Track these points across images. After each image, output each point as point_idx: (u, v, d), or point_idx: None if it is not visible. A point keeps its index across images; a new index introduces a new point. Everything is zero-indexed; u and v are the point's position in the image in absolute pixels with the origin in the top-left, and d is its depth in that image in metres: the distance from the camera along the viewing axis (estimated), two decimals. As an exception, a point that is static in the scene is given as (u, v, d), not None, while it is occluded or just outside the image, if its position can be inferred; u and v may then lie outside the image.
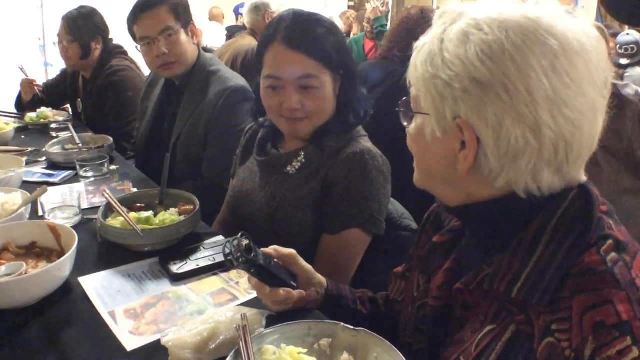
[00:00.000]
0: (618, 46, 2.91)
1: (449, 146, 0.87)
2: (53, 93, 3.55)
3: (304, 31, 1.52)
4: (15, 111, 3.43)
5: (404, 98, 0.96)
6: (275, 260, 1.20)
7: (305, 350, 1.00)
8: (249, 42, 4.02)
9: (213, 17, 8.43)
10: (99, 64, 3.15)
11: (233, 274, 1.43)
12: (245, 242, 1.09)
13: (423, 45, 0.89)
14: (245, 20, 4.39)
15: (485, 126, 0.81)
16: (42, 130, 2.99)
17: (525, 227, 0.86)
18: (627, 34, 3.72)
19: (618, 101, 2.13)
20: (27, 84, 3.40)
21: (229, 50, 3.98)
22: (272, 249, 1.22)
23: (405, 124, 0.97)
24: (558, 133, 0.80)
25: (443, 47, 0.84)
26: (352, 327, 1.03)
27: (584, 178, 0.88)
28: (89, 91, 3.22)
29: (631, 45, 3.78)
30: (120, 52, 3.24)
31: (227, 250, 1.08)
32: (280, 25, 1.53)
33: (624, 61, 2.63)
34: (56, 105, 3.52)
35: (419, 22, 2.71)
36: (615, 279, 0.76)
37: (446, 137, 0.87)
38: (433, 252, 1.12)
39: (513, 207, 0.87)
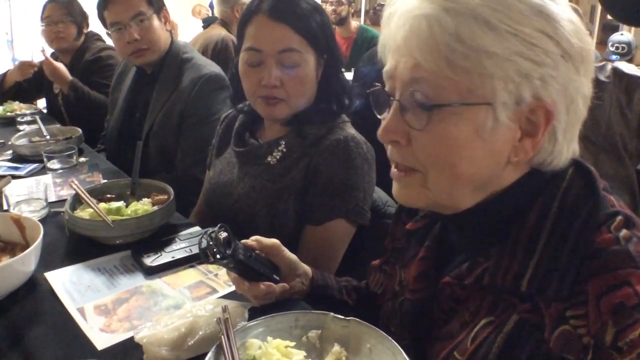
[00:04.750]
0: (610, 44, 3.16)
1: (510, 136, 0.77)
2: (33, 82, 3.48)
3: (289, 4, 1.45)
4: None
5: (412, 90, 0.77)
6: (257, 252, 1.13)
7: (293, 344, 0.93)
8: (218, 32, 3.97)
9: (195, 14, 8.37)
10: (80, 48, 3.27)
11: (211, 266, 1.36)
12: (223, 235, 1.00)
13: (446, 13, 0.72)
14: (215, 11, 4.33)
15: (565, 104, 0.76)
16: (9, 124, 2.89)
17: (523, 214, 0.80)
18: (622, 34, 4.20)
19: (595, 88, 2.10)
20: (28, 66, 3.31)
21: (199, 41, 3.93)
22: (253, 240, 1.15)
23: (418, 126, 0.78)
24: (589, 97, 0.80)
25: (504, 17, 0.72)
26: (342, 317, 0.97)
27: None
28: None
29: (622, 45, 4.20)
30: (98, 38, 3.34)
31: (204, 245, 0.99)
32: None
33: (613, 57, 2.85)
34: (33, 97, 3.52)
35: None
36: (631, 257, 0.71)
37: (510, 125, 0.76)
38: (407, 241, 1.06)
39: (523, 190, 0.82)
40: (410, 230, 1.04)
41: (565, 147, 0.79)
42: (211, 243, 0.98)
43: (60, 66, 3.03)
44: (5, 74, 3.39)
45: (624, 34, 4.27)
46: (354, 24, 5.47)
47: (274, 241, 1.17)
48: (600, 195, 0.79)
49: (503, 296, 0.80)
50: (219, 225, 1.02)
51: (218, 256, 0.99)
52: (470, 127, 0.75)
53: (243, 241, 1.10)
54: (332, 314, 0.98)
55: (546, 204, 0.79)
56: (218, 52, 3.77)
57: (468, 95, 0.74)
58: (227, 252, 1.00)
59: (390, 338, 0.89)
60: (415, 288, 0.97)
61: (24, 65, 3.27)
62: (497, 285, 0.79)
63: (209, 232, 1.00)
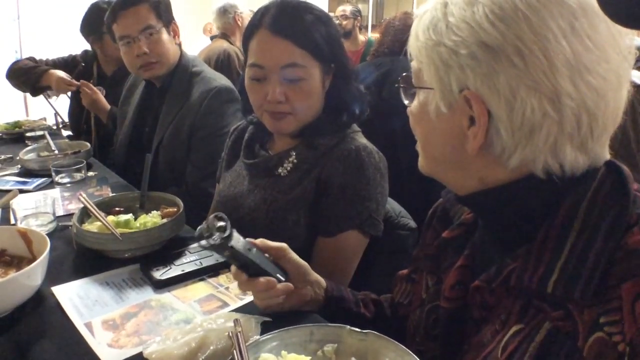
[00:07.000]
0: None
1: (456, 123, 0.79)
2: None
3: (291, 17, 1.43)
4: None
5: (404, 74, 0.88)
6: (265, 254, 1.10)
7: (308, 358, 0.89)
8: (220, 45, 3.99)
9: (206, 32, 8.46)
10: None
11: (222, 279, 1.33)
12: (220, 223, 0.99)
13: (424, 13, 0.82)
14: (215, 25, 4.35)
15: (497, 97, 0.73)
16: (17, 140, 2.89)
17: (551, 213, 0.77)
18: (634, 40, 4.14)
19: None
20: (66, 85, 2.99)
21: (201, 55, 3.95)
22: (259, 241, 1.12)
23: (406, 102, 0.90)
24: (580, 103, 0.72)
25: (447, 11, 0.77)
26: (359, 330, 0.93)
27: (608, 155, 0.80)
28: (108, 83, 3.02)
29: (636, 51, 3.96)
30: None
31: (199, 230, 0.99)
32: (266, 11, 1.44)
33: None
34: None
35: (406, 21, 2.77)
36: None
37: (452, 113, 0.79)
38: (443, 250, 1.03)
39: (533, 191, 0.78)
40: (446, 239, 1.01)
41: (512, 145, 0.75)
42: (205, 228, 0.98)
43: (100, 97, 2.85)
44: (46, 71, 3.07)
45: (636, 40, 4.23)
46: (362, 37, 5.50)
47: (281, 244, 1.15)
48: (632, 195, 0.75)
49: (532, 301, 0.76)
50: (215, 213, 1.01)
51: (211, 240, 0.97)
52: (422, 108, 0.84)
53: (248, 239, 1.08)
54: (348, 326, 0.94)
55: (575, 204, 0.76)
56: (221, 64, 3.79)
57: (422, 81, 0.82)
58: (222, 237, 0.98)
59: (410, 352, 0.86)
60: (451, 296, 0.93)
61: (61, 83, 2.98)
62: (524, 286, 0.76)
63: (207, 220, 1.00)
